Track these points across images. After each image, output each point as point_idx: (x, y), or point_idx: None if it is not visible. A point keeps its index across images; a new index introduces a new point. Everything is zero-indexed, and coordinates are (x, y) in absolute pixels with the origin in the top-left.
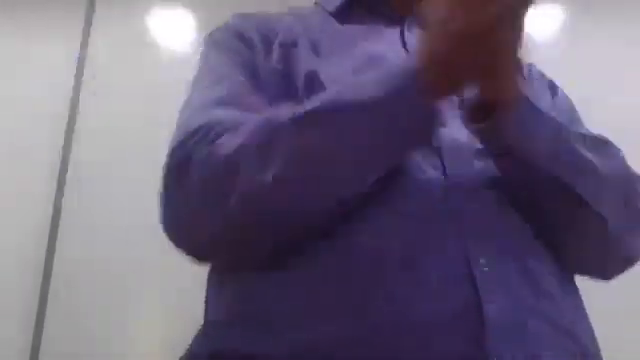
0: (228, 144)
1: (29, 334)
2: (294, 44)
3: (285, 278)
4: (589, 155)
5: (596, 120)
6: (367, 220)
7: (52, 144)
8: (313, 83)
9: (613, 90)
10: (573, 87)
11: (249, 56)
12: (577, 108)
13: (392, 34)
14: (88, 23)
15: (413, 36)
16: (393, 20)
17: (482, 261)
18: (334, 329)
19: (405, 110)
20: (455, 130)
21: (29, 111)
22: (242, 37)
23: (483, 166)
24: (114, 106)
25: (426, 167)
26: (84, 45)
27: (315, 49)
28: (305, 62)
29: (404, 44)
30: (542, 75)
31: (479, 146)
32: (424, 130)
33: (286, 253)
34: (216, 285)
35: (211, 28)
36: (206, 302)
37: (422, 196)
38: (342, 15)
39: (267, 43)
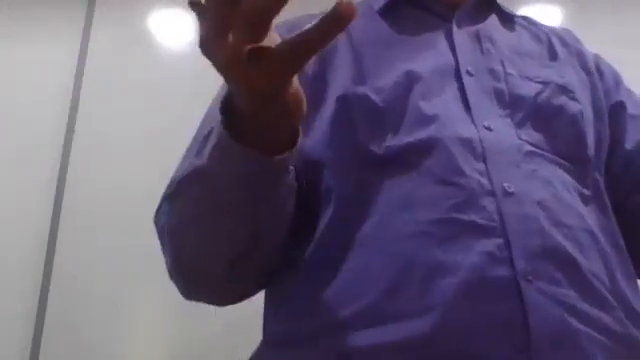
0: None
1: (29, 336)
2: (333, 48)
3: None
4: None
5: None
6: (406, 224)
7: (52, 144)
8: (346, 99)
9: None
10: None
11: None
12: None
13: (439, 36)
14: (88, 23)
15: (463, 34)
16: (442, 15)
17: (529, 269)
18: (382, 336)
19: (235, 160)
20: (503, 133)
21: (29, 111)
22: None
23: (532, 168)
24: (114, 106)
25: (470, 172)
26: (84, 45)
27: (356, 59)
28: (341, 74)
29: (452, 46)
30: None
31: (530, 148)
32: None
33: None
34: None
35: None
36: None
37: (466, 204)
38: (389, 13)
39: None
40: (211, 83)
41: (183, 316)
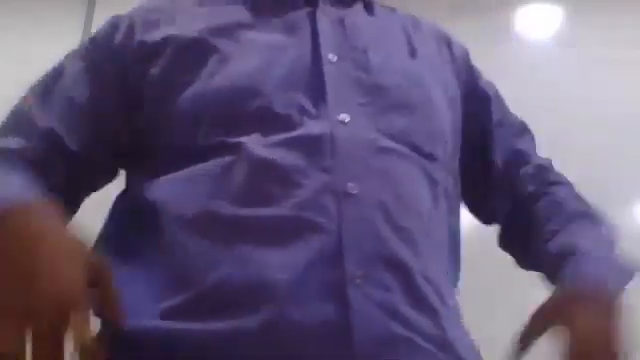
0: None
1: None
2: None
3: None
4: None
5: (596, 117)
6: (247, 219)
7: None
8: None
9: (610, 89)
10: (571, 86)
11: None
12: (576, 106)
13: (302, 20)
14: (88, 23)
15: (327, 19)
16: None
17: (359, 273)
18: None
19: None
20: (358, 126)
21: None
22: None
23: (382, 166)
24: None
25: (313, 171)
26: None
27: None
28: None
29: (315, 32)
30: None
31: (384, 143)
32: None
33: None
34: None
35: None
36: None
37: (307, 202)
38: None
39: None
40: None
41: None
